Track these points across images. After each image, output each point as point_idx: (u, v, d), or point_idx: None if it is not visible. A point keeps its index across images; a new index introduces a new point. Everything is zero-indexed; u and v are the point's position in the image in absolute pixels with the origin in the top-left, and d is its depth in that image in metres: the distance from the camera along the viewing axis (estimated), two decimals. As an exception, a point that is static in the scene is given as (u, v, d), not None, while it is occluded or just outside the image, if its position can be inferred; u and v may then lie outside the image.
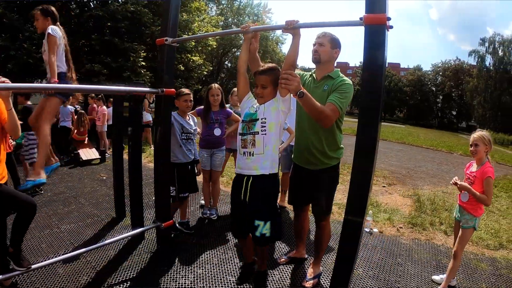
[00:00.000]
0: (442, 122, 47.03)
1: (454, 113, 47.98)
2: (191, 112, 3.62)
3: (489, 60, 34.62)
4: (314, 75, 2.49)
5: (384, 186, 6.13)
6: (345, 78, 2.34)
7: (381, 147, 12.00)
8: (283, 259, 2.97)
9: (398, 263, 3.11)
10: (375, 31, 1.69)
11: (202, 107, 3.76)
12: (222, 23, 26.24)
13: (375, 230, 3.90)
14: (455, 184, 2.68)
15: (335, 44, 2.36)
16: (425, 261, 3.18)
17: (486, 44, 34.37)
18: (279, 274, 2.75)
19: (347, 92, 2.23)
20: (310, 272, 2.70)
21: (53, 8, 2.95)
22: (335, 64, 2.48)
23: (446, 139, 20.31)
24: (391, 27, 1.70)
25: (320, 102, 2.15)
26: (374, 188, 5.78)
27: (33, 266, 2.20)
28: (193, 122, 3.50)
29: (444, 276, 2.73)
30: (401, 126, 33.12)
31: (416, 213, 4.54)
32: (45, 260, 2.47)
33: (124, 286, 2.46)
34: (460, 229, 2.67)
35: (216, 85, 3.75)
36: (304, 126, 2.48)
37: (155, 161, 3.00)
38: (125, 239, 3.10)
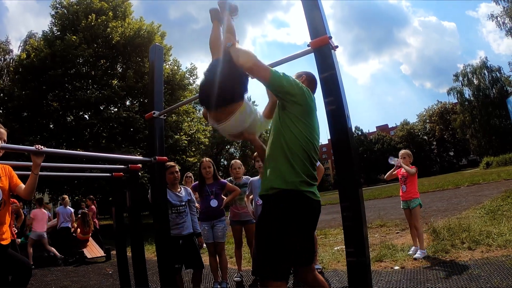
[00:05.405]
0: (443, 166, 46.91)
1: (451, 153, 48.25)
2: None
3: (467, 92, 34.76)
4: None
5: (397, 232, 5.86)
6: None
7: (388, 202, 11.73)
8: None
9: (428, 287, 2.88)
10: (323, 53, 1.88)
11: (197, 182, 3.88)
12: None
13: (396, 267, 3.67)
14: (399, 166, 4.26)
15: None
16: (455, 276, 2.98)
17: (460, 78, 34.77)
18: None
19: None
20: None
21: None
22: None
23: (451, 178, 19.94)
24: (337, 46, 1.93)
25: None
26: (387, 236, 5.58)
27: None
28: (185, 193, 3.47)
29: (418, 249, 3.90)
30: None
31: (435, 242, 4.32)
32: None
33: None
34: (411, 210, 4.09)
35: (207, 158, 3.92)
36: None
37: (155, 227, 2.98)
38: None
